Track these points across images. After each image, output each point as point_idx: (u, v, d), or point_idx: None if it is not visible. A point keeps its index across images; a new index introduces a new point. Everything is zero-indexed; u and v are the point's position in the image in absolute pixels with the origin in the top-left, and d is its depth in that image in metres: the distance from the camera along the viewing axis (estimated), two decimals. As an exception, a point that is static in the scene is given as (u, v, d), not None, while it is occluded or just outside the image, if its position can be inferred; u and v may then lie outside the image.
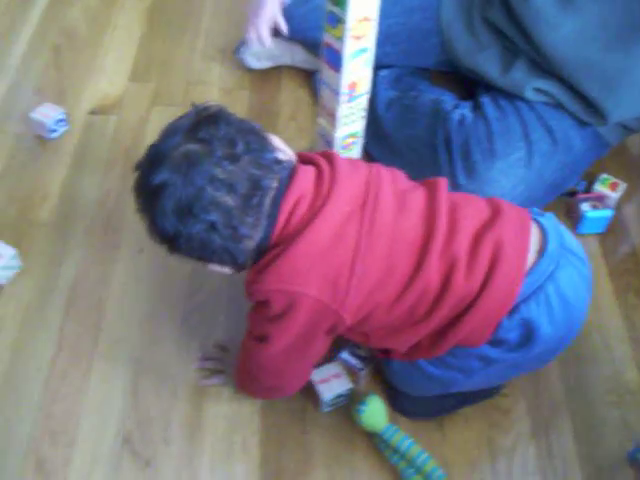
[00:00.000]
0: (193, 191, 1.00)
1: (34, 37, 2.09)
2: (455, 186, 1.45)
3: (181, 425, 1.32)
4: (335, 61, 1.18)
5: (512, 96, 1.54)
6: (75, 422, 1.32)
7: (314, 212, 1.04)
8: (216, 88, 1.93)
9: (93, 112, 1.87)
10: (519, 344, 1.09)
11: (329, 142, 1.30)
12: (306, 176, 1.08)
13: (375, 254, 1.05)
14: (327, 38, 1.17)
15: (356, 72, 1.19)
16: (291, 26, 1.80)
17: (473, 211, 1.11)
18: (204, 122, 1.05)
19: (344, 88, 1.20)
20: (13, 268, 1.51)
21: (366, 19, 1.13)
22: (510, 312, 1.07)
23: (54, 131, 1.78)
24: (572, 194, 1.64)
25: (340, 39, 1.14)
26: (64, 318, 1.45)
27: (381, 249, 1.05)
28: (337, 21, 1.13)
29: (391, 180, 1.13)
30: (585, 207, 1.59)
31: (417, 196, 1.11)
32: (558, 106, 1.52)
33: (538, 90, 1.51)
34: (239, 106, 1.87)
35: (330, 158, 1.12)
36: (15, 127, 1.82)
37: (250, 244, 1.06)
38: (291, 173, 1.07)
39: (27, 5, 2.19)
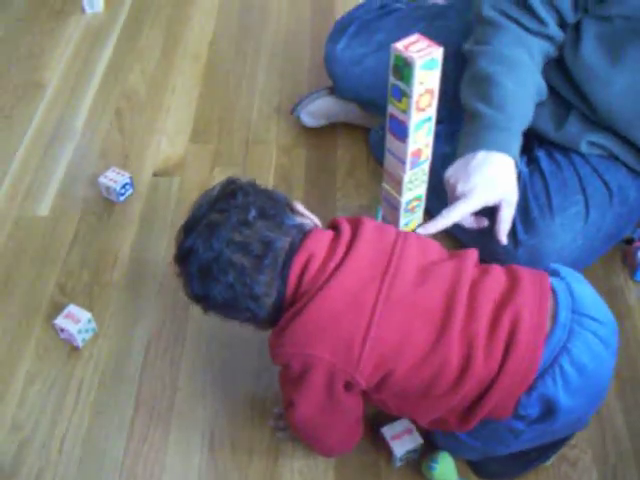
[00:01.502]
0: (212, 255, 1.10)
1: (96, 101, 2.18)
2: (515, 242, 1.48)
3: (258, 481, 1.36)
4: (400, 132, 1.23)
5: (566, 149, 1.57)
6: (157, 480, 1.37)
7: (328, 274, 1.09)
8: (274, 147, 1.99)
9: (157, 174, 1.94)
10: (541, 418, 1.10)
11: (394, 206, 1.35)
12: (319, 238, 1.14)
13: (391, 321, 1.07)
14: (391, 110, 1.22)
15: (420, 141, 1.24)
16: (346, 85, 1.87)
17: (491, 283, 1.11)
18: (224, 195, 1.16)
19: (409, 157, 1.25)
20: (89, 331, 1.57)
21: (429, 91, 1.18)
22: (527, 389, 1.07)
23: (121, 194, 1.85)
24: (628, 242, 1.67)
25: (405, 112, 1.19)
26: (141, 378, 1.51)
27: (397, 317, 1.07)
28: (402, 95, 1.17)
29: (419, 250, 1.15)
30: (642, 255, 1.62)
31: (443, 269, 1.12)
32: (611, 158, 1.55)
33: (593, 144, 1.54)
34: (297, 164, 1.94)
35: (357, 223, 1.17)
36: (83, 191, 1.90)
37: (268, 302, 1.13)
38: (305, 235, 1.14)
39: (88, 70, 2.29)
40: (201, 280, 1.13)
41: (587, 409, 1.16)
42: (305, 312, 1.08)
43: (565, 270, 1.17)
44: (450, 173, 1.39)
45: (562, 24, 1.46)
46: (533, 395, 1.07)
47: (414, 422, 1.33)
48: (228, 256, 1.10)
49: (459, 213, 1.34)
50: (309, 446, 1.33)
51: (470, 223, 1.42)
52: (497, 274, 1.14)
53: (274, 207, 1.15)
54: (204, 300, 1.16)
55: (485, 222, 1.42)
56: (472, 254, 1.18)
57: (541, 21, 1.43)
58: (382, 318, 1.07)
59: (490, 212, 1.40)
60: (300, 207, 1.21)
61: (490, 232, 1.53)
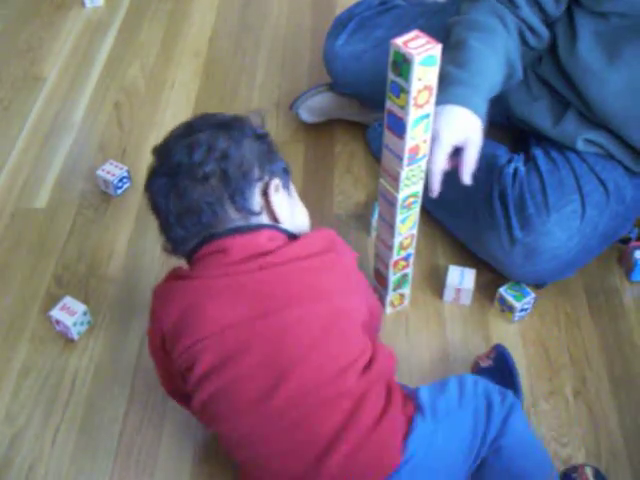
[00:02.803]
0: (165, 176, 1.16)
1: (95, 95, 2.18)
2: (512, 240, 1.49)
3: (251, 476, 1.36)
4: (398, 128, 1.22)
5: (563, 147, 1.57)
6: (149, 474, 1.36)
7: (220, 272, 1.10)
8: (272, 142, 1.99)
9: (155, 168, 1.93)
10: None
11: (391, 202, 1.35)
12: (248, 240, 1.12)
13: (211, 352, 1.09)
14: (390, 106, 1.22)
15: (418, 137, 1.24)
16: (345, 82, 1.87)
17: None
18: (220, 126, 1.18)
19: (406, 153, 1.25)
20: (84, 324, 1.57)
21: (427, 87, 1.18)
22: None
23: (119, 188, 1.85)
24: (625, 241, 1.67)
25: (403, 108, 1.18)
26: (135, 371, 1.51)
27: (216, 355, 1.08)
28: (400, 91, 1.17)
29: (321, 323, 1.10)
30: (638, 255, 1.61)
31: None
32: (608, 156, 1.55)
33: (589, 141, 1.54)
34: (295, 160, 1.93)
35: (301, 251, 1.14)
36: (80, 184, 1.90)
37: (183, 248, 1.17)
38: (242, 230, 1.13)
39: (87, 64, 2.29)
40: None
41: None
42: (182, 282, 1.14)
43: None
44: None
45: (545, 17, 1.47)
46: None
47: None
48: (167, 188, 1.14)
49: (437, 157, 1.33)
50: None
51: (445, 166, 1.41)
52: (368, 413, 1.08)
53: (243, 179, 1.13)
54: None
55: (456, 161, 1.41)
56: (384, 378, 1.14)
57: (514, 4, 1.46)
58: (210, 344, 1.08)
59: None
60: (274, 199, 1.16)
61: (488, 232, 1.53)
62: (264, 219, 1.16)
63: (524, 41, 1.50)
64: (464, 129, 1.36)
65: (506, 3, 1.46)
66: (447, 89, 1.37)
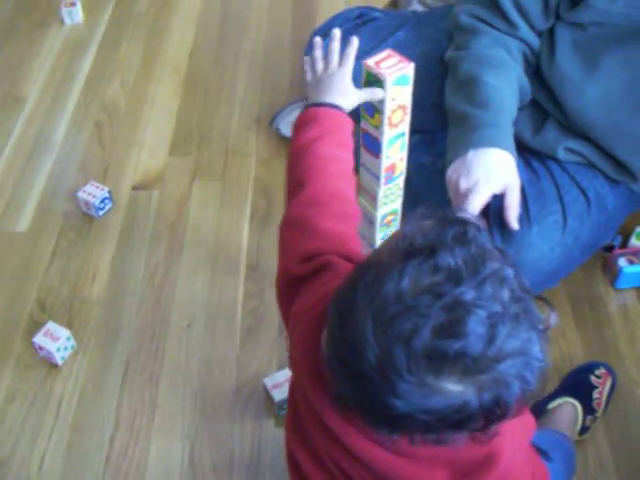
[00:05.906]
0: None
1: (76, 114, 2.17)
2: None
3: (239, 498, 1.36)
4: (374, 147, 1.22)
5: (544, 157, 1.56)
6: (137, 499, 1.36)
7: None
8: (254, 159, 1.99)
9: (136, 188, 1.93)
10: None
11: (370, 220, 1.35)
12: None
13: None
14: (365, 125, 1.22)
15: (394, 156, 1.24)
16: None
17: None
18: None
19: (383, 172, 1.25)
20: (68, 349, 1.56)
21: (401, 107, 1.18)
22: None
23: (100, 209, 1.84)
24: (608, 249, 1.67)
25: (378, 127, 1.19)
26: (120, 395, 1.51)
27: None
28: (374, 111, 1.17)
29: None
30: (622, 262, 1.62)
31: None
32: (589, 165, 1.54)
33: (570, 150, 1.53)
34: (276, 176, 1.93)
35: None
36: (62, 205, 1.89)
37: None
38: None
39: (67, 82, 2.27)
40: None
41: None
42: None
43: None
44: (450, 172, 1.37)
45: (535, 30, 1.47)
46: None
47: None
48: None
49: (473, 209, 1.31)
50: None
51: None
52: None
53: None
54: None
55: (484, 223, 1.41)
56: None
57: (512, 25, 1.45)
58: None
59: (483, 213, 1.39)
60: None
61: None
62: None
63: (527, 61, 1.50)
64: (503, 176, 1.35)
65: (505, 28, 1.46)
66: (475, 132, 1.37)
